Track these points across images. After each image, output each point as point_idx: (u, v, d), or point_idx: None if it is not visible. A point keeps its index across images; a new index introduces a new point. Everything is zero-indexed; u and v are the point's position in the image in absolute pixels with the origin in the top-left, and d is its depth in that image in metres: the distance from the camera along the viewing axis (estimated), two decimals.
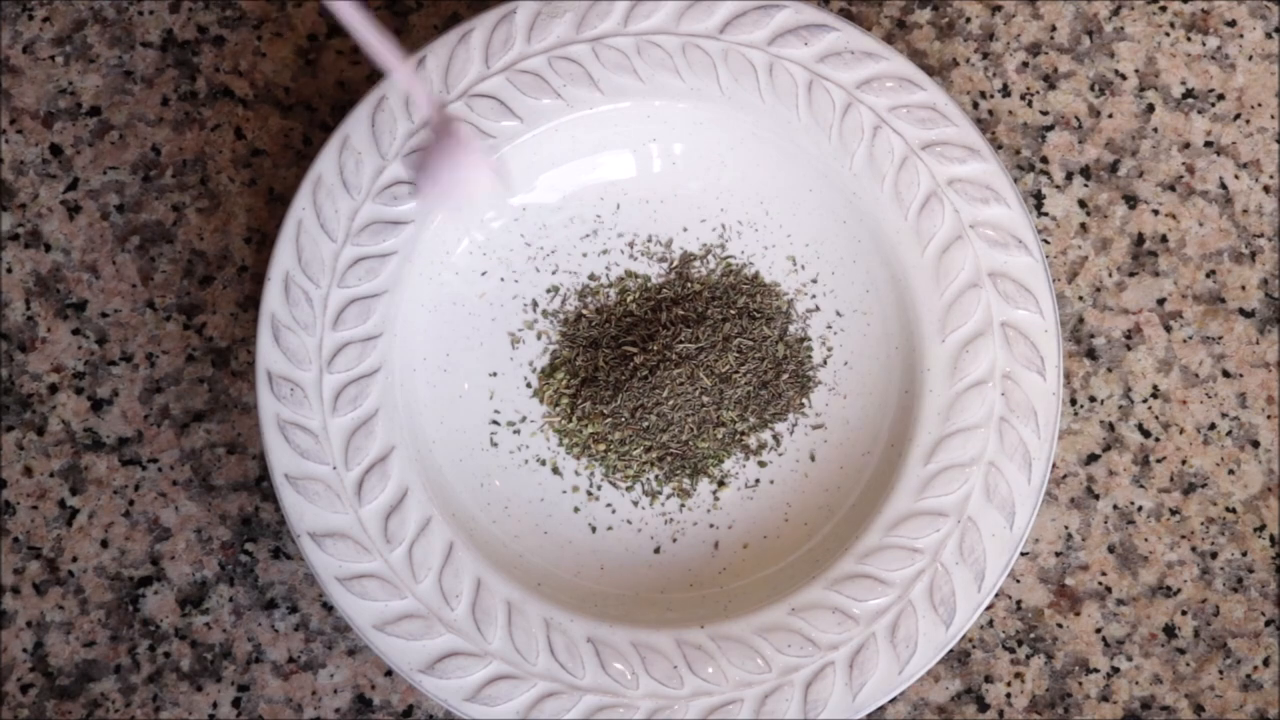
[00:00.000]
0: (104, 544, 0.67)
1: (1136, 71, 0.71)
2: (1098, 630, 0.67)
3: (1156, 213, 0.70)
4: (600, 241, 0.68)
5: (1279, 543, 0.68)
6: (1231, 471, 0.68)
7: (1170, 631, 0.68)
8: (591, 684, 0.63)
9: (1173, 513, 0.68)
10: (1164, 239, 0.70)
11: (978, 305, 0.64)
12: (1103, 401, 0.69)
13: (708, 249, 0.68)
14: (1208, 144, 0.70)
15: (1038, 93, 0.70)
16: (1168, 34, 0.71)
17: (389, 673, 0.67)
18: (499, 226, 0.67)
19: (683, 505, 0.67)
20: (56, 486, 0.68)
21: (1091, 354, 0.69)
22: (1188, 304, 0.69)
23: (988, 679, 0.67)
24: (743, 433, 0.67)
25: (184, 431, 0.68)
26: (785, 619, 0.63)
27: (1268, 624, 0.68)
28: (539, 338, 0.68)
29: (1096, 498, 0.68)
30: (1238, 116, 0.70)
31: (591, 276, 0.68)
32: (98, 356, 0.69)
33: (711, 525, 0.67)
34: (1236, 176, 0.70)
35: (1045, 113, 0.70)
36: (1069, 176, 0.70)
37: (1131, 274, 0.70)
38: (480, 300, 0.67)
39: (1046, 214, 0.70)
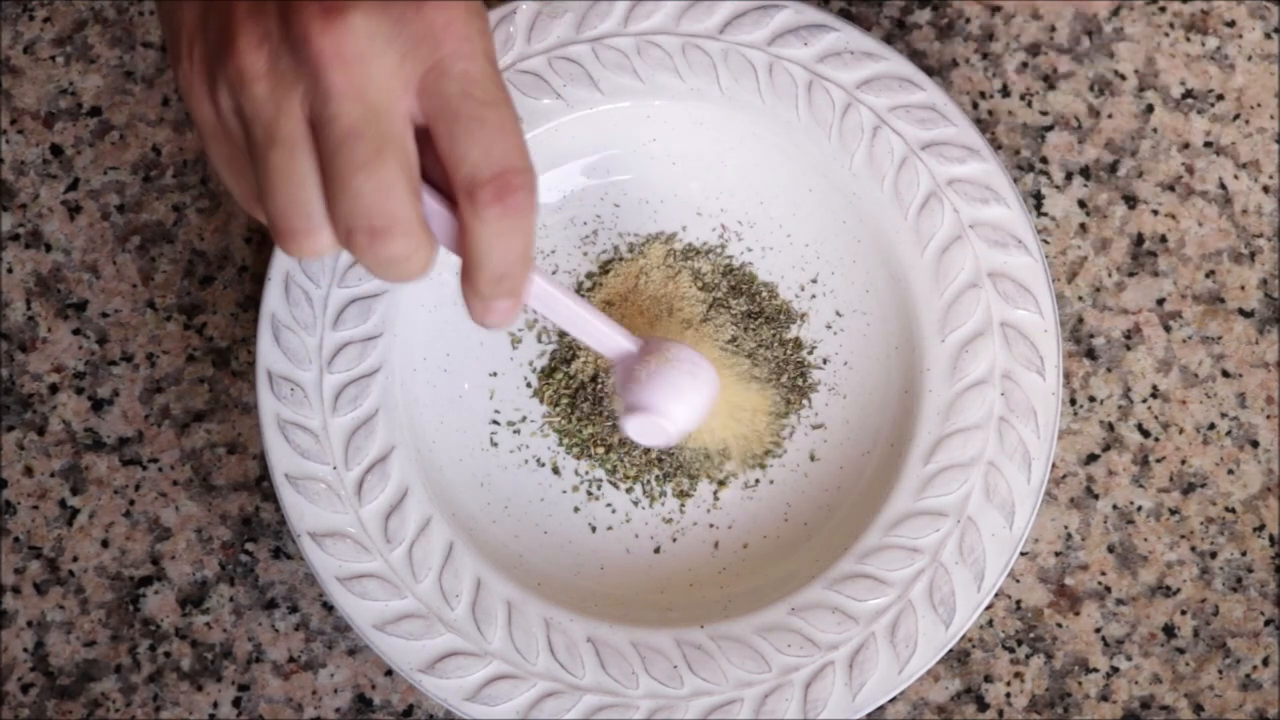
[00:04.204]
0: (104, 544, 0.68)
1: (1136, 72, 0.71)
2: (1097, 630, 0.68)
3: (1156, 213, 0.70)
4: (600, 241, 0.68)
5: (1279, 543, 0.68)
6: (1231, 471, 0.68)
7: (1170, 631, 0.68)
8: (591, 684, 0.63)
9: (1172, 513, 0.68)
10: (1163, 239, 0.70)
11: (977, 305, 0.65)
12: (1102, 401, 0.69)
13: (708, 249, 0.68)
14: (1207, 144, 0.70)
15: (1037, 93, 0.71)
16: (1167, 34, 0.71)
17: (389, 673, 0.67)
18: None
19: (683, 505, 0.67)
20: (57, 486, 0.68)
21: (1091, 354, 0.69)
22: (1187, 304, 0.69)
23: (987, 679, 0.67)
24: None
25: (184, 431, 0.68)
26: (785, 619, 0.63)
27: (1267, 624, 0.68)
28: (539, 338, 0.68)
29: (1096, 498, 0.68)
30: (1237, 117, 0.70)
31: (590, 276, 0.68)
32: (98, 356, 0.69)
33: (711, 525, 0.67)
34: (1236, 176, 0.70)
35: (1045, 113, 0.70)
36: (1069, 176, 0.70)
37: (1131, 274, 0.70)
38: None
39: (1046, 214, 0.70)
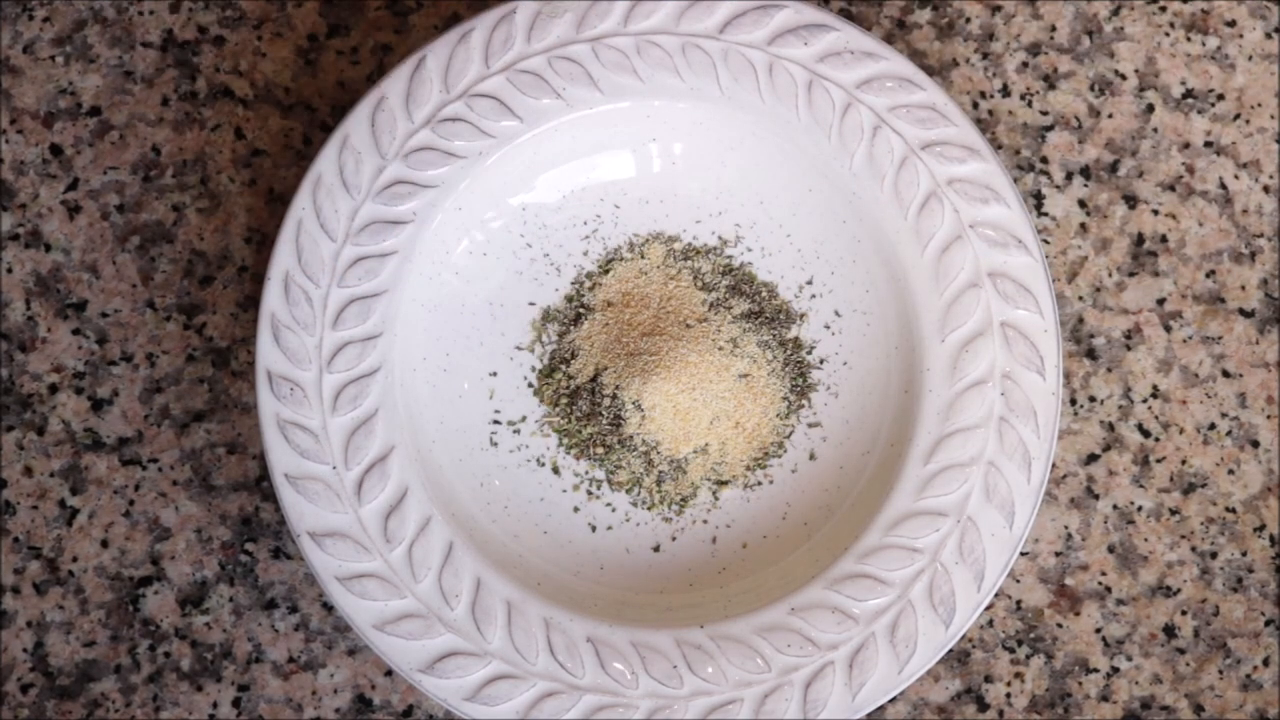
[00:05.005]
0: (104, 544, 0.68)
1: (1136, 71, 0.71)
2: (1098, 630, 0.68)
3: (1156, 213, 0.70)
4: (600, 241, 0.68)
5: (1279, 543, 0.68)
6: (1231, 471, 0.68)
7: (1170, 631, 0.68)
8: (591, 684, 0.63)
9: (1173, 513, 0.68)
10: (1164, 239, 0.70)
11: (977, 305, 0.64)
12: (1102, 401, 0.69)
13: (707, 249, 0.68)
14: (1208, 144, 0.70)
15: (1038, 93, 0.70)
16: (1168, 34, 0.71)
17: (389, 673, 0.67)
18: (499, 226, 0.67)
19: (682, 505, 0.67)
20: (57, 486, 0.68)
21: (1091, 354, 0.69)
22: (1188, 304, 0.69)
23: (988, 679, 0.67)
24: None
25: (184, 431, 0.68)
26: (785, 619, 0.63)
27: (1268, 624, 0.68)
28: (539, 338, 0.68)
29: (1096, 498, 0.68)
30: (1237, 116, 0.70)
31: (590, 276, 0.68)
32: (98, 356, 0.69)
33: (711, 525, 0.67)
34: (1236, 176, 0.70)
35: (1045, 113, 0.70)
36: (1069, 176, 0.70)
37: (1131, 274, 0.70)
38: (480, 300, 0.67)
39: (1046, 214, 0.70)
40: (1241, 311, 0.69)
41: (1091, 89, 0.71)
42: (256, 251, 0.69)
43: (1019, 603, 0.68)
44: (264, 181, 0.70)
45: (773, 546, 0.66)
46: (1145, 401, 0.69)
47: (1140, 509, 0.68)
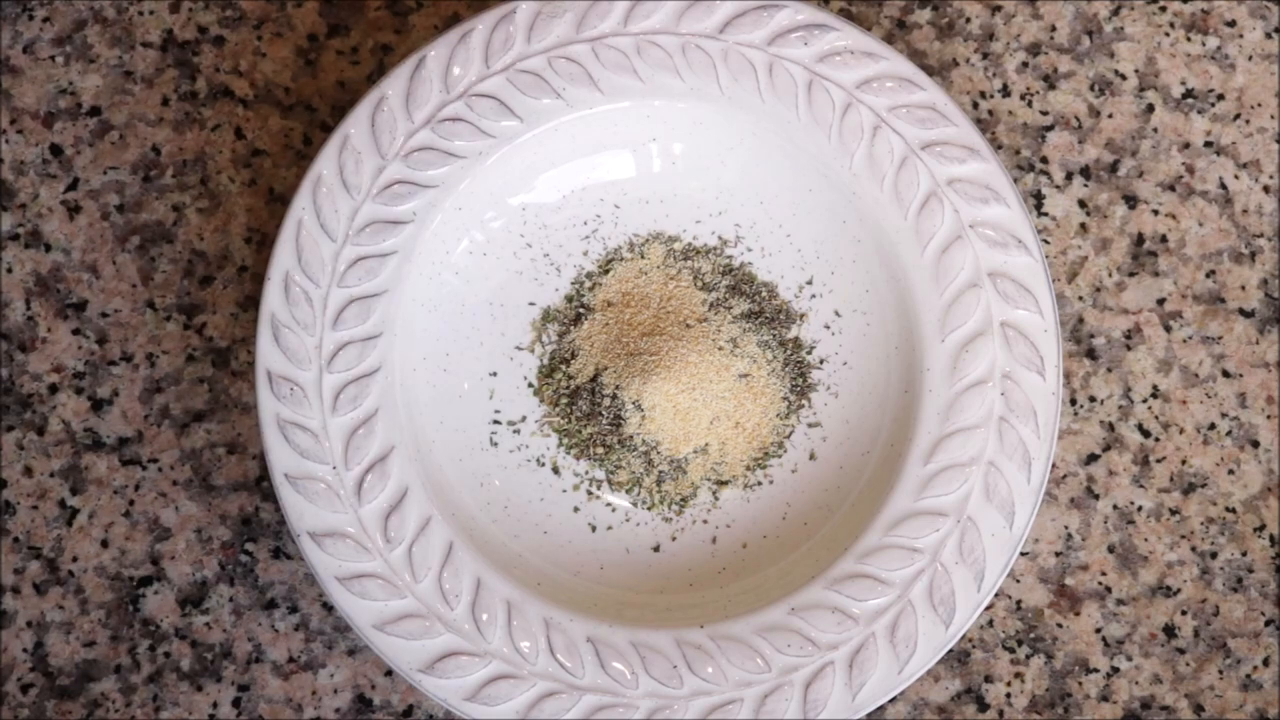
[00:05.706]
0: (104, 544, 0.68)
1: (1136, 71, 0.71)
2: (1098, 630, 0.68)
3: (1156, 213, 0.70)
4: (600, 241, 0.68)
5: (1279, 543, 0.68)
6: (1231, 471, 0.68)
7: (1170, 631, 0.68)
8: (591, 684, 0.63)
9: (1173, 513, 0.68)
10: (1164, 239, 0.70)
11: (977, 305, 0.64)
12: (1102, 401, 0.69)
13: (707, 249, 0.68)
14: (1208, 144, 0.70)
15: (1038, 93, 0.71)
16: (1168, 34, 0.71)
17: (389, 673, 0.67)
18: (499, 226, 0.67)
19: (682, 505, 0.67)
20: (56, 486, 0.68)
21: (1091, 354, 0.69)
22: (1188, 304, 0.69)
23: (988, 679, 0.67)
24: None
25: (184, 431, 0.68)
26: (785, 619, 0.63)
27: (1268, 624, 0.68)
28: (539, 338, 0.68)
29: (1096, 498, 0.68)
30: (1237, 116, 0.70)
31: (590, 276, 0.68)
32: (98, 356, 0.69)
33: (711, 525, 0.67)
34: (1236, 176, 0.70)
35: (1045, 113, 0.70)
36: (1069, 176, 0.70)
37: (1131, 274, 0.70)
38: (480, 300, 0.67)
39: (1046, 214, 0.70)
40: (1241, 311, 0.69)
41: (1091, 89, 0.71)
42: (256, 251, 0.69)
43: (1019, 603, 0.68)
44: (264, 181, 0.70)
45: (773, 546, 0.66)
46: (1145, 401, 0.69)
47: (1140, 509, 0.68)
